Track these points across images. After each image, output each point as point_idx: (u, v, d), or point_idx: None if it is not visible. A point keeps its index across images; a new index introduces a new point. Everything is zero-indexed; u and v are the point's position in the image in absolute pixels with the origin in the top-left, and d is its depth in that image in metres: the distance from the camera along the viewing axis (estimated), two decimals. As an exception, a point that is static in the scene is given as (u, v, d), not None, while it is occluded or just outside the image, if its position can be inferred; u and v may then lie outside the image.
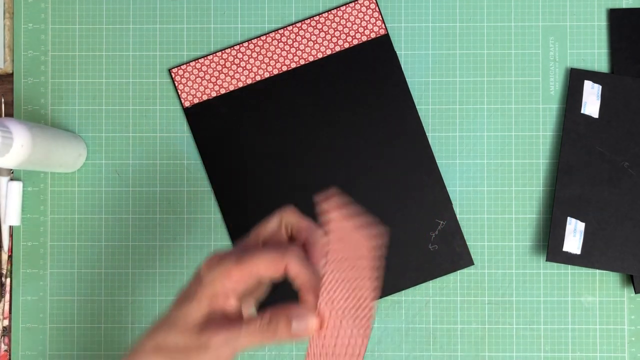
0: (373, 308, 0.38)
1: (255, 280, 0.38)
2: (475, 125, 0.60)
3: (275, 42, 0.60)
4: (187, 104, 0.60)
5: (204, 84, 0.60)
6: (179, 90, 0.60)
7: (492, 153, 0.60)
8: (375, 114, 0.60)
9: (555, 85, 0.60)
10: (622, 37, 0.59)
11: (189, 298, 0.38)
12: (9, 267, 0.60)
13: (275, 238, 0.40)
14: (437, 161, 0.60)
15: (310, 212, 0.60)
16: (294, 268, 0.37)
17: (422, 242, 0.59)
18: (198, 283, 0.38)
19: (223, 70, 0.60)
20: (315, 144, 0.60)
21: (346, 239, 0.36)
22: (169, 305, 0.39)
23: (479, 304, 0.59)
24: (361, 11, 0.60)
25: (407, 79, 0.60)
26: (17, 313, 0.60)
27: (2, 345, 0.60)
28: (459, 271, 0.59)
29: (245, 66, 0.60)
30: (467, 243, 0.60)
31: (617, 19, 0.60)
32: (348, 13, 0.60)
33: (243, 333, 0.37)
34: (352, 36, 0.60)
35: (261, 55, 0.60)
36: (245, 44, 0.60)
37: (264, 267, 0.37)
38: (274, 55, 0.60)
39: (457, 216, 0.60)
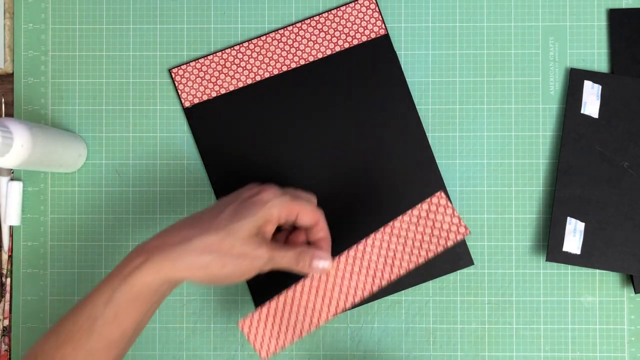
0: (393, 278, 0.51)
1: (293, 219, 0.49)
2: (475, 125, 0.60)
3: (275, 42, 0.60)
4: (187, 104, 0.60)
5: (204, 84, 0.60)
6: (179, 90, 0.60)
7: (492, 153, 0.60)
8: (375, 114, 0.60)
9: (555, 85, 0.60)
10: (622, 37, 0.59)
11: (245, 214, 0.46)
12: (9, 267, 0.60)
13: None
14: (437, 161, 0.60)
15: (310, 212, 0.60)
16: (322, 223, 0.50)
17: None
18: (257, 204, 0.46)
19: (223, 70, 0.60)
20: (315, 144, 0.60)
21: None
22: (203, 212, 0.47)
23: (479, 304, 0.59)
24: (361, 11, 0.60)
25: (407, 79, 0.60)
26: (18, 313, 0.60)
27: (3, 345, 0.60)
28: (458, 271, 0.60)
29: (245, 66, 0.60)
30: (467, 243, 0.60)
31: (617, 19, 0.60)
32: (348, 13, 0.60)
33: (283, 256, 0.48)
34: (352, 36, 0.60)
35: (261, 55, 0.60)
36: (245, 44, 0.60)
37: (305, 212, 0.48)
38: (274, 55, 0.60)
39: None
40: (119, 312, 0.44)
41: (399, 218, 0.52)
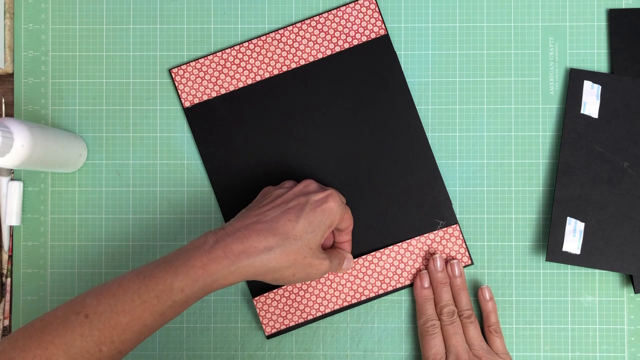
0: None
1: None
2: (475, 125, 0.60)
3: (275, 42, 0.60)
4: (187, 104, 0.60)
5: (204, 84, 0.60)
6: (179, 90, 0.60)
7: (492, 153, 0.60)
8: (375, 114, 0.60)
9: (555, 86, 0.60)
10: (622, 37, 0.59)
11: (317, 223, 0.49)
12: (9, 267, 0.60)
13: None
14: (437, 161, 0.60)
15: (310, 212, 0.60)
16: (352, 227, 0.56)
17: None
18: (327, 212, 0.50)
19: (223, 70, 0.60)
20: (315, 144, 0.60)
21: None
22: (274, 210, 0.50)
23: (479, 304, 0.59)
24: (361, 11, 0.60)
25: (407, 79, 0.60)
26: (18, 313, 0.60)
27: (3, 345, 0.60)
28: (458, 271, 0.60)
29: (245, 66, 0.60)
30: (467, 243, 0.60)
31: (617, 19, 0.60)
32: (348, 13, 0.60)
33: (333, 264, 0.53)
34: (352, 36, 0.60)
35: (261, 55, 0.60)
36: (245, 44, 0.60)
37: (348, 217, 0.54)
38: (274, 56, 0.60)
39: (457, 216, 0.60)
40: (189, 301, 0.46)
41: (417, 238, 0.59)
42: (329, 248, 0.57)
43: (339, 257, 0.55)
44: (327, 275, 0.59)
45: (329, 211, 0.50)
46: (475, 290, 0.59)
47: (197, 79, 0.60)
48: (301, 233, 0.49)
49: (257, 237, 0.47)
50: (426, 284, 0.58)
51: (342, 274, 0.59)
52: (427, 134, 0.60)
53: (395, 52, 0.60)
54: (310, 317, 0.59)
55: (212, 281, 0.46)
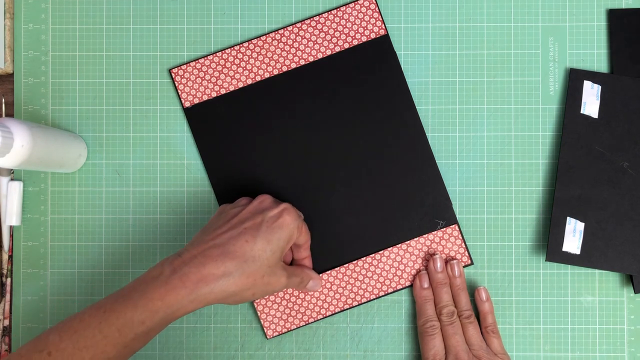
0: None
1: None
2: (475, 125, 0.60)
3: (275, 42, 0.60)
4: (187, 104, 0.60)
5: (204, 84, 0.60)
6: (179, 90, 0.60)
7: (492, 153, 0.60)
8: (375, 114, 0.60)
9: (555, 86, 0.60)
10: (622, 37, 0.59)
11: (275, 242, 0.49)
12: (9, 267, 0.60)
13: None
14: (437, 161, 0.60)
15: (310, 210, 0.60)
16: (309, 242, 0.56)
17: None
18: (283, 229, 0.50)
19: (223, 70, 0.60)
20: (315, 144, 0.60)
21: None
22: (230, 232, 0.49)
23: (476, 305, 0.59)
24: (361, 11, 0.60)
25: (407, 79, 0.60)
26: (18, 313, 0.60)
27: (3, 345, 0.60)
28: (458, 271, 0.60)
29: (245, 66, 0.60)
30: (467, 243, 0.60)
31: (617, 19, 0.60)
32: (348, 13, 0.60)
33: (293, 282, 0.53)
34: (352, 36, 0.60)
35: (261, 55, 0.60)
36: (245, 44, 0.60)
37: (304, 232, 0.54)
38: (274, 56, 0.60)
39: (457, 216, 0.60)
40: (151, 332, 0.46)
41: (417, 239, 0.59)
42: (293, 264, 0.57)
43: (302, 275, 0.55)
44: (327, 278, 0.59)
45: (286, 226, 0.50)
46: (473, 290, 0.59)
47: (197, 79, 0.60)
48: (259, 252, 0.48)
49: (215, 263, 0.47)
50: (425, 284, 0.58)
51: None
52: (427, 134, 0.60)
53: (395, 52, 0.60)
54: (311, 320, 0.59)
55: (172, 311, 0.46)
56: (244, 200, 0.54)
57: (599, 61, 0.60)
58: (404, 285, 0.59)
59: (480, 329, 0.58)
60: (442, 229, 0.59)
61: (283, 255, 0.51)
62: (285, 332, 0.59)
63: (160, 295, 0.45)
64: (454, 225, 0.59)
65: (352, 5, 0.60)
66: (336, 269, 0.59)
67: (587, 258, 0.57)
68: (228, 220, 0.50)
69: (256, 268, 0.48)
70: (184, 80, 0.60)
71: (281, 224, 0.50)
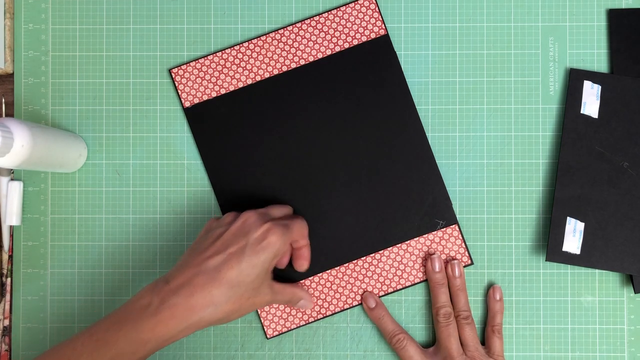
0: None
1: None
2: (475, 125, 0.60)
3: (275, 42, 0.60)
4: (187, 104, 0.60)
5: (204, 84, 0.60)
6: (179, 90, 0.60)
7: (492, 153, 0.60)
8: (375, 114, 0.60)
9: (555, 86, 0.60)
10: (622, 37, 0.59)
11: (259, 265, 0.49)
12: (9, 267, 0.60)
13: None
14: (437, 161, 0.60)
15: (310, 210, 0.60)
16: (305, 250, 0.56)
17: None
18: (268, 250, 0.50)
19: (223, 70, 0.60)
20: (315, 144, 0.60)
21: None
22: (215, 257, 0.49)
23: (478, 304, 0.59)
24: (361, 11, 0.60)
25: (407, 79, 0.60)
26: (18, 313, 0.60)
27: (3, 345, 0.60)
28: (458, 271, 0.60)
29: (245, 66, 0.60)
30: (467, 243, 0.60)
31: (617, 19, 0.60)
32: (348, 13, 0.60)
33: (280, 300, 0.54)
34: (352, 36, 0.60)
35: (261, 55, 0.60)
36: (245, 44, 0.60)
37: (300, 237, 0.54)
38: (274, 55, 0.60)
39: (457, 216, 0.60)
40: (143, 359, 0.48)
41: (417, 239, 0.59)
42: (287, 282, 0.57)
43: (291, 295, 0.55)
44: (327, 278, 0.59)
45: (271, 247, 0.50)
46: (476, 290, 0.59)
47: (197, 79, 0.60)
48: (244, 277, 0.49)
49: (202, 292, 0.47)
50: (437, 267, 0.58)
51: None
52: (427, 134, 0.60)
53: (395, 52, 0.60)
54: (311, 320, 0.59)
55: (163, 341, 0.47)
56: (229, 217, 0.53)
57: (599, 61, 0.60)
58: (404, 285, 0.59)
59: (486, 327, 0.58)
60: (442, 229, 0.59)
61: (269, 273, 0.52)
62: (286, 332, 0.59)
63: (151, 327, 0.46)
64: (454, 225, 0.59)
65: (352, 5, 0.60)
66: (336, 268, 0.59)
67: (587, 258, 0.57)
68: (213, 242, 0.50)
69: (242, 292, 0.49)
70: (184, 80, 0.60)
71: (265, 246, 0.50)
